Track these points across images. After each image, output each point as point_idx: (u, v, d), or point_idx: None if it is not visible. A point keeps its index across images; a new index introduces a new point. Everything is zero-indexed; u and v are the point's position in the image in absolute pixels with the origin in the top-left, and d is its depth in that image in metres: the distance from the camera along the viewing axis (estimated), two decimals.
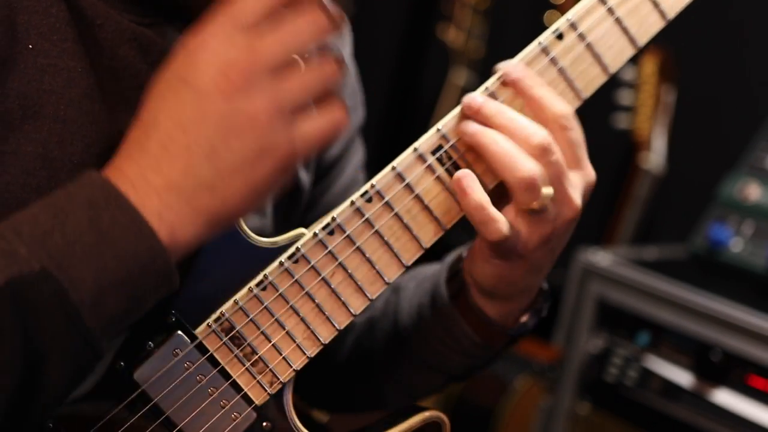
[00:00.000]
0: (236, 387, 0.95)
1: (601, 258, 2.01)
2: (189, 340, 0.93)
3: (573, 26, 1.00)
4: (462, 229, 1.02)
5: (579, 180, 0.99)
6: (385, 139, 3.45)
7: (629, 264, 2.00)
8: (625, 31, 1.02)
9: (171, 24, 0.98)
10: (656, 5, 1.03)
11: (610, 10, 1.01)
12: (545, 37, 1.00)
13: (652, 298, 1.91)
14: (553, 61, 1.00)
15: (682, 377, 1.88)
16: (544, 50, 1.00)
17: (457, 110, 0.99)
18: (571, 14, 1.00)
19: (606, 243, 2.53)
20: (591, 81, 1.02)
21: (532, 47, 1.00)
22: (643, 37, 1.03)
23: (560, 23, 1.00)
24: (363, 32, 3.26)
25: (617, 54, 1.02)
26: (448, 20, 2.91)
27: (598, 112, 2.00)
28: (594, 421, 2.01)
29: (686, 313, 1.86)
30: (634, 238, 2.50)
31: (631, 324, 1.97)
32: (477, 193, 0.95)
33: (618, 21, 1.01)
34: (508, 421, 2.57)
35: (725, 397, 1.81)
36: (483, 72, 2.87)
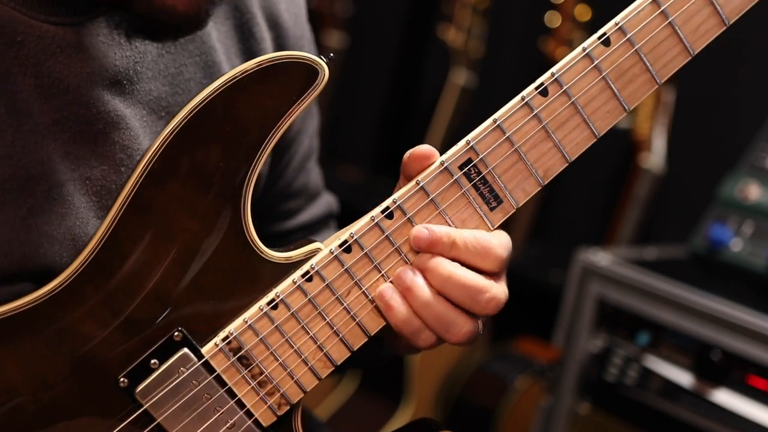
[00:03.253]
0: (243, 407, 0.93)
1: (601, 258, 2.01)
2: (195, 359, 0.92)
3: (622, 30, 0.91)
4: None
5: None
6: (385, 139, 3.44)
7: (629, 264, 2.00)
8: (679, 37, 0.92)
9: (103, 17, 0.94)
10: (716, 9, 0.94)
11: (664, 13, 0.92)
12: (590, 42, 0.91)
13: (652, 298, 1.91)
14: (598, 69, 0.91)
15: (682, 377, 1.87)
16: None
17: (488, 123, 0.92)
18: (620, 18, 0.91)
19: (606, 243, 2.53)
20: (638, 89, 0.93)
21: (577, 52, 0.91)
22: (699, 44, 0.94)
23: (608, 27, 0.92)
24: (363, 32, 3.27)
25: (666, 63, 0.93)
26: (448, 20, 2.89)
27: None
28: (594, 421, 2.01)
29: (686, 313, 1.86)
30: (634, 238, 2.50)
31: (631, 324, 1.96)
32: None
33: (671, 25, 0.92)
34: (508, 421, 2.58)
35: (725, 397, 1.81)
36: (483, 72, 2.89)
